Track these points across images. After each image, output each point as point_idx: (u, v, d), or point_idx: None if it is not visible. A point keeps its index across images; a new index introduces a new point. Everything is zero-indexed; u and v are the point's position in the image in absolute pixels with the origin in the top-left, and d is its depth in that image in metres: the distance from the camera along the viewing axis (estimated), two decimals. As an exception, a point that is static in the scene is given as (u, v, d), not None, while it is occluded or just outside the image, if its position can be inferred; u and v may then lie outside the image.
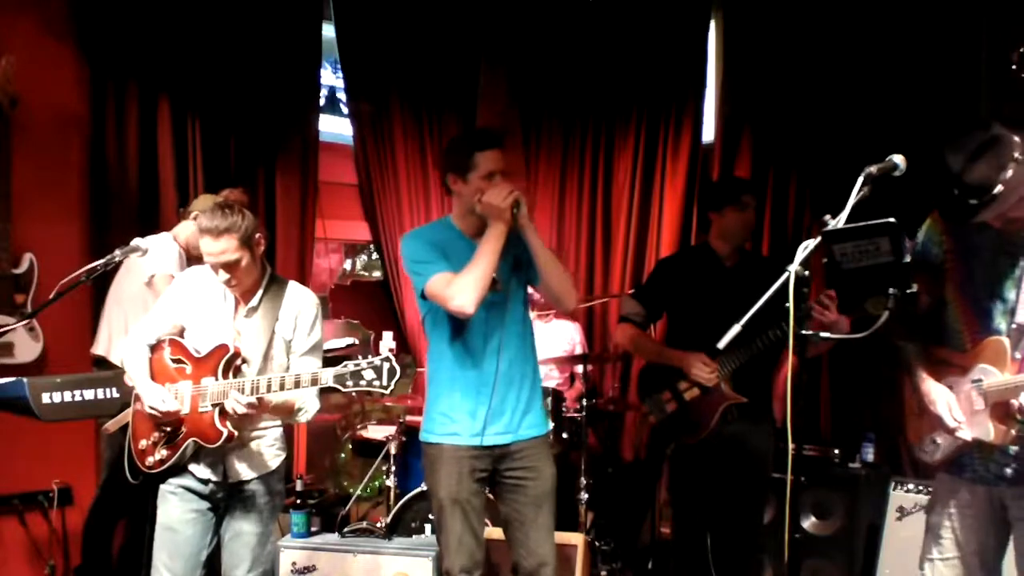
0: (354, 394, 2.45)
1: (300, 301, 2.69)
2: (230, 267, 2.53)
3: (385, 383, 2.40)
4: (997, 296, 2.20)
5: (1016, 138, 2.07)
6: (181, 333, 2.69)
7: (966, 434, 2.20)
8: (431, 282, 2.58)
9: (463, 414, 2.65)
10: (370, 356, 2.43)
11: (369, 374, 2.41)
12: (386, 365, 2.41)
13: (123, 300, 3.70)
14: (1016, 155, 2.06)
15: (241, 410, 2.45)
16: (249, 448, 2.64)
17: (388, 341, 4.47)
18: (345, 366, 2.42)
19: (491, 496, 2.87)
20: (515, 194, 2.54)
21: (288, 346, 2.67)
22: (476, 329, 2.64)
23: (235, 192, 3.94)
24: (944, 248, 2.30)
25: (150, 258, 3.43)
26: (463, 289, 2.51)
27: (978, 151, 2.08)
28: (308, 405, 2.66)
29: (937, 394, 2.26)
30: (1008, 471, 2.19)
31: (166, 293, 2.78)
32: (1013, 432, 2.13)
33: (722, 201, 3.29)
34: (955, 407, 2.23)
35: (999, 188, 2.05)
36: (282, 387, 2.47)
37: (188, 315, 2.67)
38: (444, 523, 2.67)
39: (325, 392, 2.82)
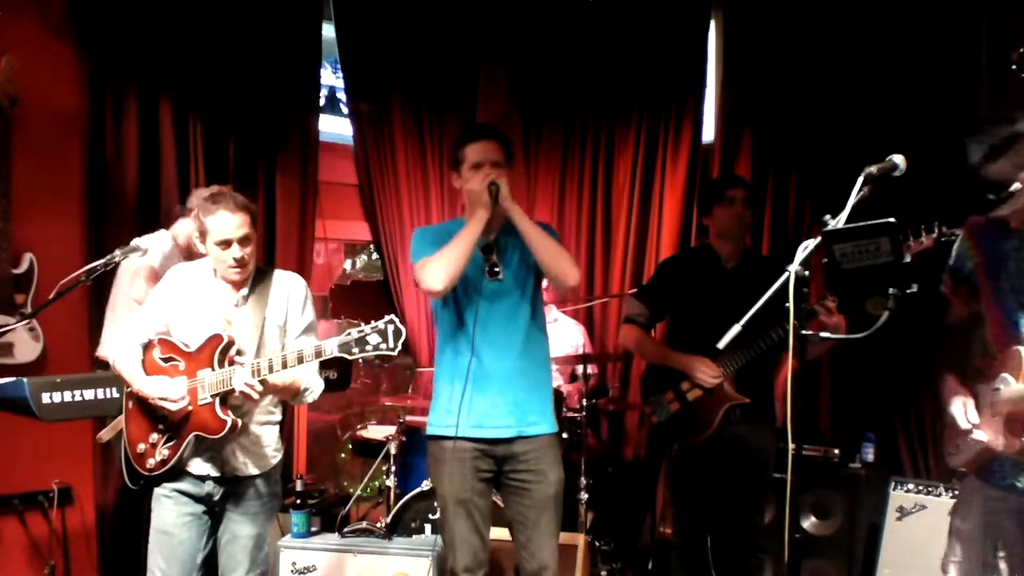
0: (360, 361, 2.40)
1: (288, 284, 2.70)
2: (244, 242, 2.56)
3: (391, 345, 2.37)
4: (1023, 304, 2.17)
5: None
6: (167, 331, 2.66)
7: (980, 436, 2.17)
8: (416, 267, 2.63)
9: (458, 406, 2.64)
10: (372, 322, 2.39)
11: (374, 338, 2.37)
12: (390, 327, 2.38)
13: (116, 302, 3.68)
14: None
15: (248, 391, 2.42)
16: (247, 444, 2.63)
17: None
18: (348, 334, 2.39)
19: (497, 501, 2.86)
20: (490, 176, 2.55)
21: (281, 331, 2.67)
22: (473, 321, 2.63)
23: (225, 188, 3.96)
24: (975, 262, 2.28)
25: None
26: (433, 269, 2.55)
27: (999, 147, 2.06)
28: (313, 385, 2.65)
29: (955, 396, 2.25)
30: None
31: (155, 291, 2.75)
32: (1019, 443, 2.09)
33: (708, 202, 3.30)
34: (971, 409, 2.21)
35: (1016, 186, 2.04)
36: (284, 365, 2.43)
37: (177, 310, 2.65)
38: (447, 522, 2.66)
39: (327, 389, 2.82)
